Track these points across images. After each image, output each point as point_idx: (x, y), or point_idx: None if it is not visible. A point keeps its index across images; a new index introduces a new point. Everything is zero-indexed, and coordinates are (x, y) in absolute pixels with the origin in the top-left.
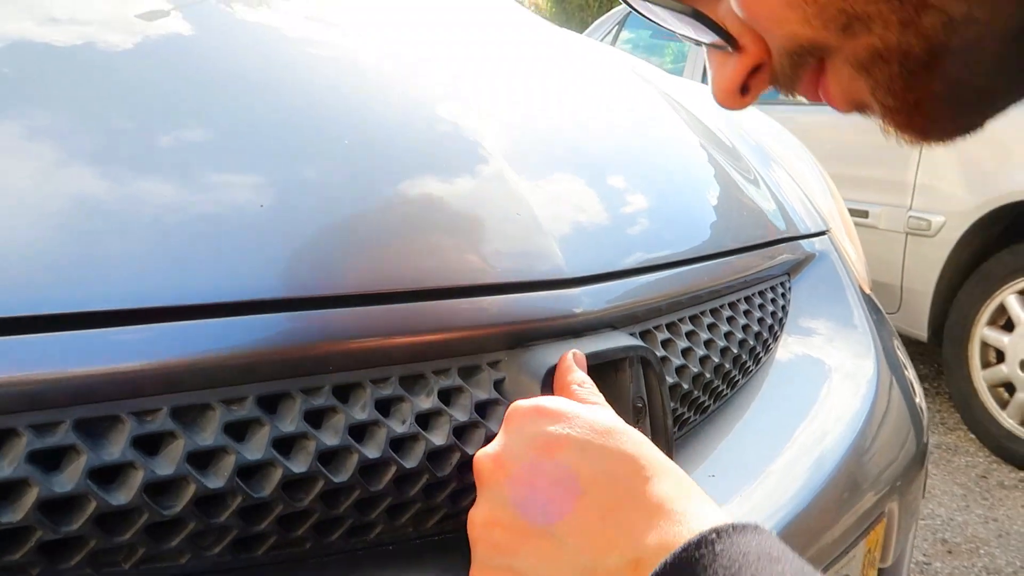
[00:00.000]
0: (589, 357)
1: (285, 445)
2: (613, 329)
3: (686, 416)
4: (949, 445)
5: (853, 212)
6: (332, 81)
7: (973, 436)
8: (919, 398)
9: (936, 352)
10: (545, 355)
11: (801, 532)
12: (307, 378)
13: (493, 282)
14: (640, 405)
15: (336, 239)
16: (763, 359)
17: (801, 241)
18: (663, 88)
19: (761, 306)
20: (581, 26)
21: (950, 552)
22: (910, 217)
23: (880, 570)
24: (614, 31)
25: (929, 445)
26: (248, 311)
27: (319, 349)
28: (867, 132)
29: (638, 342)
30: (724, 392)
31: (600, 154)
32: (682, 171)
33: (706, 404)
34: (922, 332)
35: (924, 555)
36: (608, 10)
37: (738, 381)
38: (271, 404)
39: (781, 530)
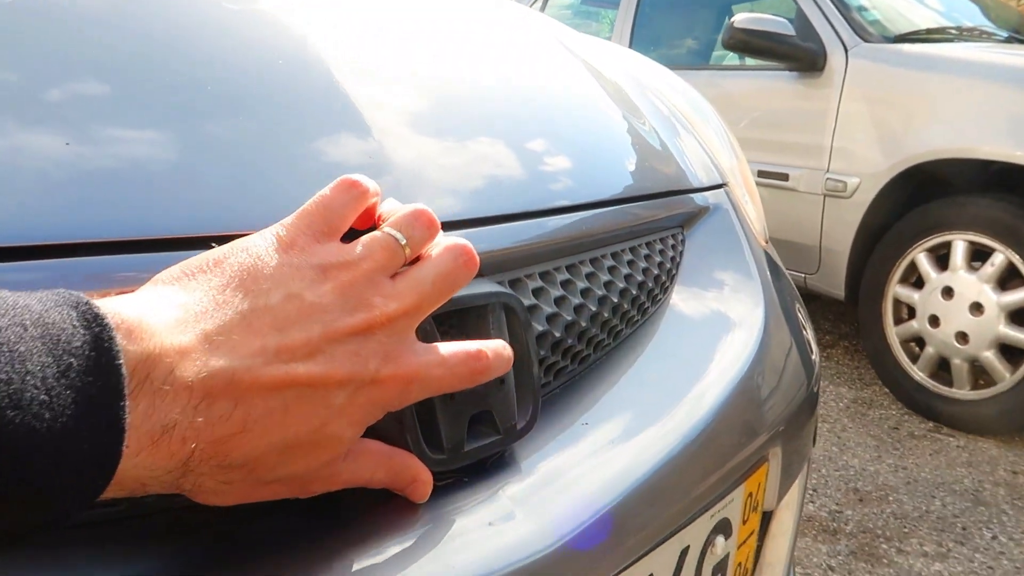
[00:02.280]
0: (448, 303)
1: None
2: (478, 277)
3: (562, 365)
4: (865, 399)
5: (774, 175)
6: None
7: (887, 390)
8: (815, 355)
9: (855, 312)
10: None
11: (675, 474)
12: None
13: None
14: None
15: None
16: (651, 310)
17: (697, 195)
18: (569, 45)
19: (647, 256)
20: None
21: (861, 500)
22: (827, 179)
23: (765, 513)
24: None
25: (819, 395)
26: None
27: None
28: (789, 97)
29: (500, 288)
30: (606, 342)
31: (483, 105)
32: (572, 122)
33: (585, 354)
34: (839, 291)
35: (836, 504)
36: None
37: (621, 331)
38: None
39: (653, 472)
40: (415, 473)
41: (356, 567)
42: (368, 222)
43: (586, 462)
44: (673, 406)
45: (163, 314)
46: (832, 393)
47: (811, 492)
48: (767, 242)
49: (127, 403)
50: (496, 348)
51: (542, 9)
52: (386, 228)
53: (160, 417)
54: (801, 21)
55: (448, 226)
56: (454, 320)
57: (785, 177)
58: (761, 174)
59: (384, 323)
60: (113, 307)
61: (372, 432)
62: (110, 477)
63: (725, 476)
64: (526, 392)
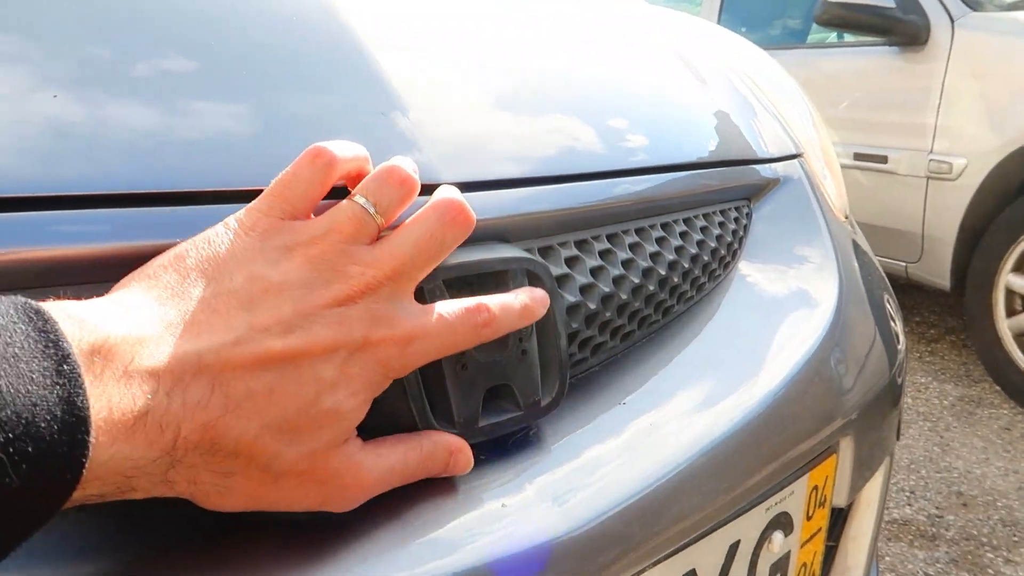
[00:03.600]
0: (458, 267)
1: None
2: (501, 242)
3: (600, 341)
4: (972, 397)
5: (872, 157)
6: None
7: (998, 388)
8: (900, 344)
9: (963, 303)
10: None
11: (724, 460)
12: None
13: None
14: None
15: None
16: (709, 286)
17: (765, 166)
18: (643, 13)
19: (704, 229)
20: None
21: (965, 505)
22: (931, 161)
23: (835, 510)
24: None
25: (903, 386)
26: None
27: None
28: (889, 74)
29: (521, 253)
30: (653, 319)
31: (529, 69)
32: (620, 89)
33: (628, 330)
34: (945, 281)
35: (937, 508)
36: None
37: (672, 307)
38: None
39: (697, 457)
40: (449, 446)
41: (351, 547)
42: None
43: (622, 444)
44: (727, 388)
45: (117, 308)
46: (936, 390)
47: (909, 494)
48: (848, 218)
49: (86, 390)
50: (503, 302)
51: None
52: (354, 196)
53: (129, 404)
54: None
55: (467, 187)
56: (473, 286)
57: (884, 159)
58: (857, 156)
59: (365, 291)
60: (60, 304)
61: (376, 405)
62: (80, 470)
63: (785, 465)
64: (552, 366)
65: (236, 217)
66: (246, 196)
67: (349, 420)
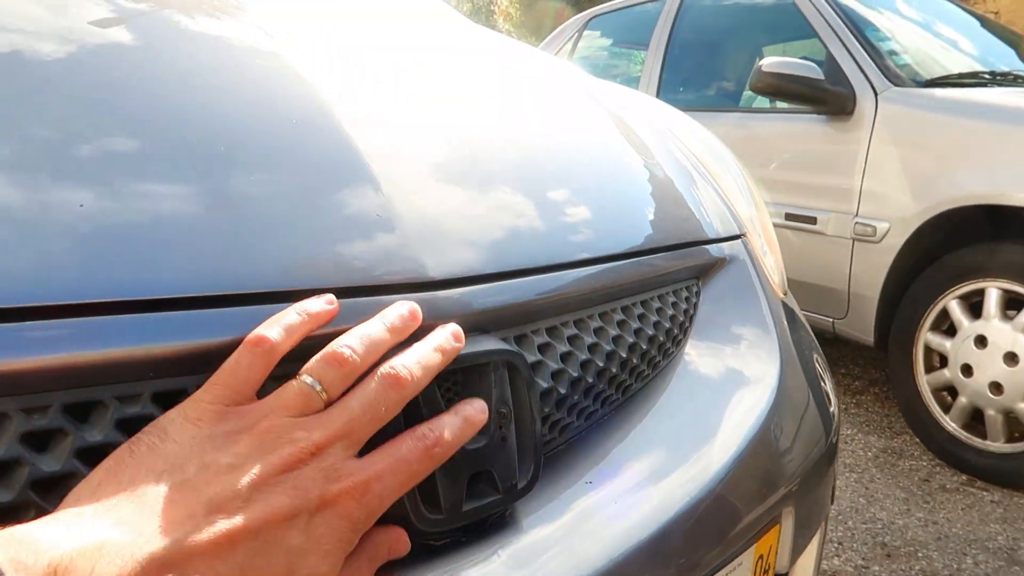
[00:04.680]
0: (453, 362)
1: None
2: (483, 333)
3: (567, 422)
4: (895, 449)
5: (802, 218)
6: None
7: (918, 440)
8: (833, 407)
9: (885, 357)
10: None
11: (680, 536)
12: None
13: (342, 285)
14: (504, 411)
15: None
16: (662, 364)
17: (714, 246)
18: (590, 92)
19: (659, 310)
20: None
21: (888, 556)
22: (856, 223)
23: (778, 575)
24: (572, 40)
25: (837, 447)
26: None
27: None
28: (818, 140)
29: (502, 346)
30: (614, 397)
31: (497, 155)
32: (583, 174)
33: (591, 409)
34: (869, 337)
35: (863, 559)
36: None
37: (631, 386)
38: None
39: (657, 534)
40: (387, 541)
41: None
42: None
43: (587, 523)
44: (680, 465)
45: (72, 519)
46: (861, 442)
47: (836, 545)
48: (786, 293)
49: None
50: (447, 422)
51: (572, 50)
52: (300, 375)
53: None
54: (831, 65)
55: (451, 283)
56: (457, 377)
57: (813, 220)
58: (788, 217)
59: (314, 451)
60: (10, 531)
61: None
62: None
63: (734, 538)
64: (527, 450)
65: (181, 409)
66: (204, 301)
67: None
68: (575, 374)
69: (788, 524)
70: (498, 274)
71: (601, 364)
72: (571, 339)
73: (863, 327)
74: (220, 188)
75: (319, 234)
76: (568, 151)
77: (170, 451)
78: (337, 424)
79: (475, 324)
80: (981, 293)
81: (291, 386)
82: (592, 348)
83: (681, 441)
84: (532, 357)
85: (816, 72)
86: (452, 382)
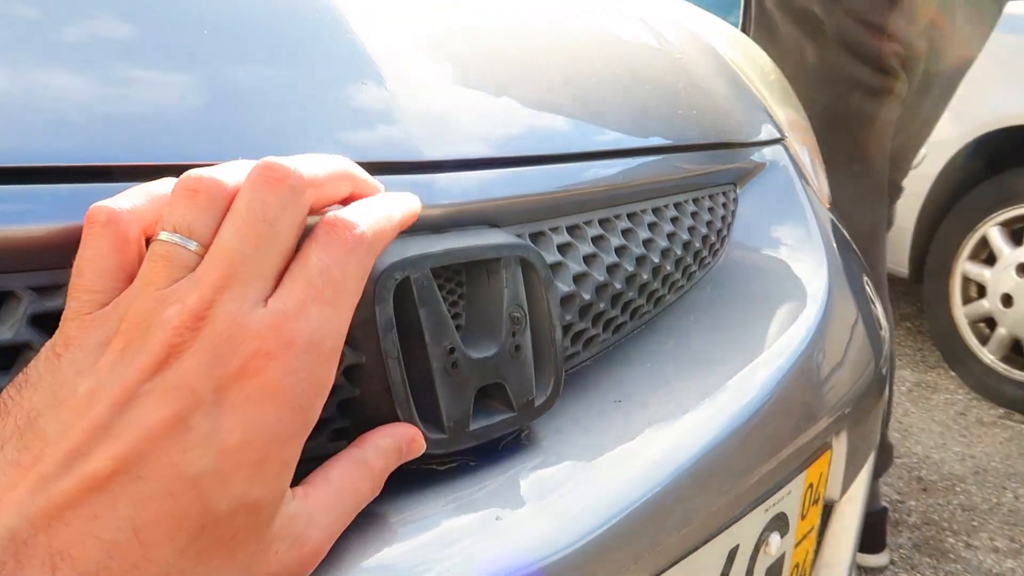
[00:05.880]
0: (446, 255)
1: None
2: (491, 227)
3: (593, 334)
4: (929, 383)
5: None
6: None
7: (954, 374)
8: (884, 331)
9: (919, 290)
10: (386, 253)
11: (724, 462)
12: None
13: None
14: (518, 315)
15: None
16: (698, 274)
17: (751, 149)
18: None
19: (695, 214)
20: None
21: (925, 490)
22: None
23: (827, 505)
24: None
25: (893, 377)
26: None
27: None
28: None
29: (514, 239)
30: (645, 309)
31: (511, 52)
32: (607, 71)
33: (621, 321)
34: (903, 269)
35: (899, 493)
36: None
37: (664, 297)
38: None
39: (697, 460)
40: (396, 444)
41: (325, 564)
42: None
43: (618, 447)
44: (722, 383)
45: None
46: (895, 376)
47: None
48: (830, 206)
49: None
50: (371, 204)
51: None
52: (156, 235)
53: None
54: None
55: (451, 165)
56: (461, 275)
57: None
58: None
59: (192, 324)
60: None
61: (359, 410)
62: None
63: (783, 464)
64: (546, 362)
65: (51, 342)
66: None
67: (268, 505)
68: (600, 278)
69: (840, 450)
70: (508, 159)
71: (630, 269)
72: (595, 240)
73: (897, 259)
74: (211, 72)
75: (308, 116)
76: (592, 48)
77: (25, 405)
78: (213, 273)
79: (482, 215)
80: (1023, 219)
81: (149, 255)
82: (620, 251)
83: (722, 357)
84: (551, 257)
85: None
86: (455, 283)
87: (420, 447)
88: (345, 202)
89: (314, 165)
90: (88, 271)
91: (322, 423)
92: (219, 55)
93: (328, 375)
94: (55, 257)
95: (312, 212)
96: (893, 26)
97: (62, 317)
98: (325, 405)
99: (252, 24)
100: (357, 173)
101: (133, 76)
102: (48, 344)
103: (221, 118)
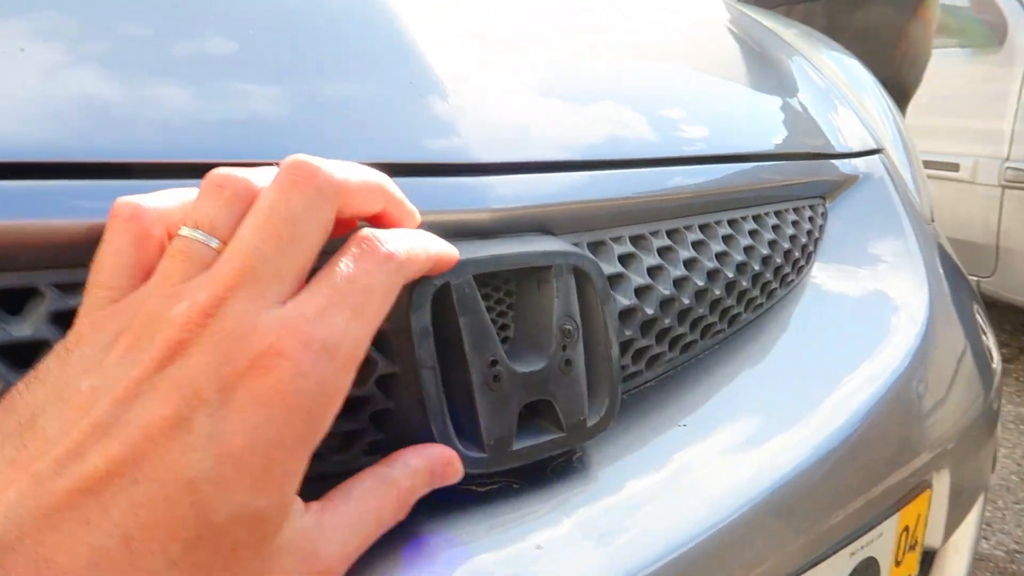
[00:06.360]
0: (491, 261)
1: None
2: (545, 235)
3: (658, 352)
4: None
5: (941, 165)
6: None
7: None
8: (995, 363)
9: None
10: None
11: (803, 497)
12: None
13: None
14: (569, 328)
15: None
16: (780, 291)
17: (843, 160)
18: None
19: (777, 227)
20: None
21: None
22: (1007, 168)
23: (927, 552)
24: None
25: (999, 412)
26: None
27: None
28: (961, 78)
29: (567, 247)
30: (718, 327)
31: (579, 47)
32: (685, 67)
33: (690, 339)
34: (1021, 297)
35: (1016, 542)
36: None
37: (740, 315)
38: None
39: (771, 493)
40: (430, 466)
41: None
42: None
43: (680, 476)
44: (804, 410)
45: None
46: (1011, 414)
47: (985, 526)
48: (933, 222)
49: None
50: (409, 234)
51: None
52: (178, 231)
53: None
54: None
55: (506, 168)
56: (509, 284)
57: (955, 167)
58: (925, 164)
59: (202, 321)
60: None
61: (391, 425)
62: None
63: (873, 503)
64: (601, 380)
65: (65, 339)
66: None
67: (271, 517)
68: (666, 292)
69: (941, 491)
70: (566, 163)
71: (700, 284)
72: (662, 251)
73: (1014, 285)
74: (259, 74)
75: (359, 117)
76: (664, 47)
77: (31, 401)
78: (228, 271)
79: (537, 222)
80: None
81: (169, 251)
82: (689, 264)
83: (804, 385)
84: (611, 268)
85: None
86: (505, 292)
87: (456, 472)
88: (378, 220)
89: (346, 170)
90: (107, 267)
91: (354, 435)
92: (266, 56)
93: (343, 384)
94: (80, 254)
95: (340, 224)
96: None
97: (77, 313)
98: (357, 416)
99: (307, 26)
100: (393, 191)
101: (171, 77)
102: (61, 341)
103: (264, 119)
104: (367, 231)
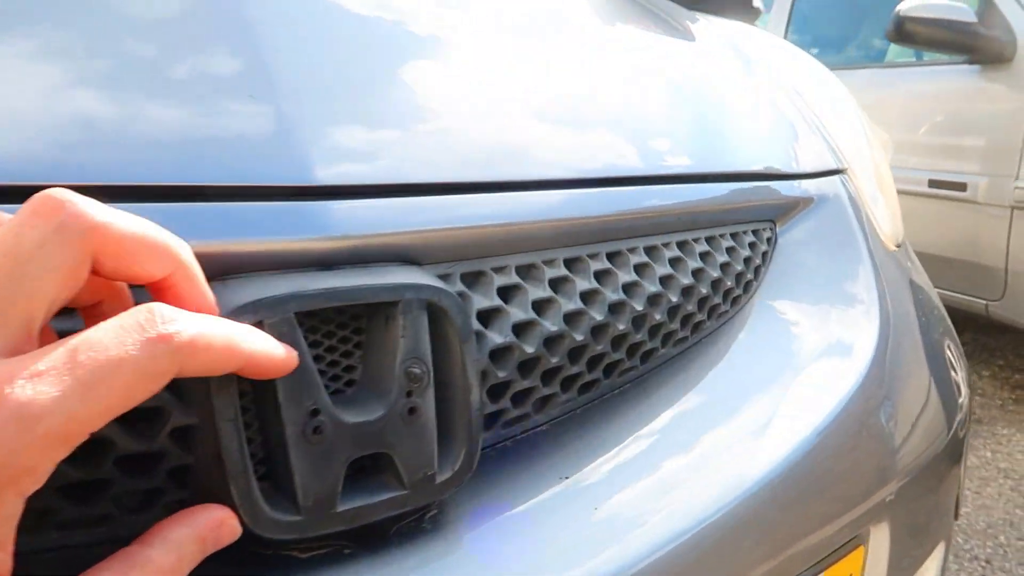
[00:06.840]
0: (320, 297)
1: None
2: (403, 265)
3: (548, 394)
4: None
5: (948, 185)
6: None
7: None
8: (962, 398)
9: None
10: (241, 292)
11: (699, 563)
12: None
13: (174, 184)
14: (417, 371)
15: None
16: (709, 325)
17: (795, 181)
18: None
19: (705, 255)
20: None
21: None
22: (1016, 188)
23: None
24: None
25: (964, 447)
26: None
27: None
28: (969, 95)
29: (418, 279)
30: (627, 366)
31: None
32: (615, 78)
33: (589, 379)
34: None
35: None
36: None
37: (653, 351)
38: None
39: (662, 558)
40: (200, 529)
41: None
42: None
43: (554, 538)
44: (712, 465)
45: None
46: (1020, 443)
47: (984, 564)
48: (899, 247)
49: None
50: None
51: None
52: None
53: None
54: (985, 5)
55: (352, 191)
56: (348, 326)
57: (962, 187)
58: (932, 183)
59: None
60: None
61: (188, 482)
62: None
63: (792, 561)
64: (457, 428)
65: None
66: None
67: None
68: (553, 328)
69: (879, 545)
70: (432, 185)
71: (599, 318)
72: (554, 283)
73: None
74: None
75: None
76: (585, 64)
77: None
78: None
79: (395, 251)
80: None
81: None
82: (587, 296)
83: (721, 431)
84: (486, 302)
85: (967, 14)
86: (351, 329)
87: (232, 532)
88: (162, 291)
89: (112, 215)
90: None
91: (153, 493)
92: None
93: (35, 462)
94: None
95: (107, 287)
96: None
97: None
98: (152, 472)
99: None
100: (184, 258)
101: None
102: None
103: (45, 137)
104: (153, 304)
